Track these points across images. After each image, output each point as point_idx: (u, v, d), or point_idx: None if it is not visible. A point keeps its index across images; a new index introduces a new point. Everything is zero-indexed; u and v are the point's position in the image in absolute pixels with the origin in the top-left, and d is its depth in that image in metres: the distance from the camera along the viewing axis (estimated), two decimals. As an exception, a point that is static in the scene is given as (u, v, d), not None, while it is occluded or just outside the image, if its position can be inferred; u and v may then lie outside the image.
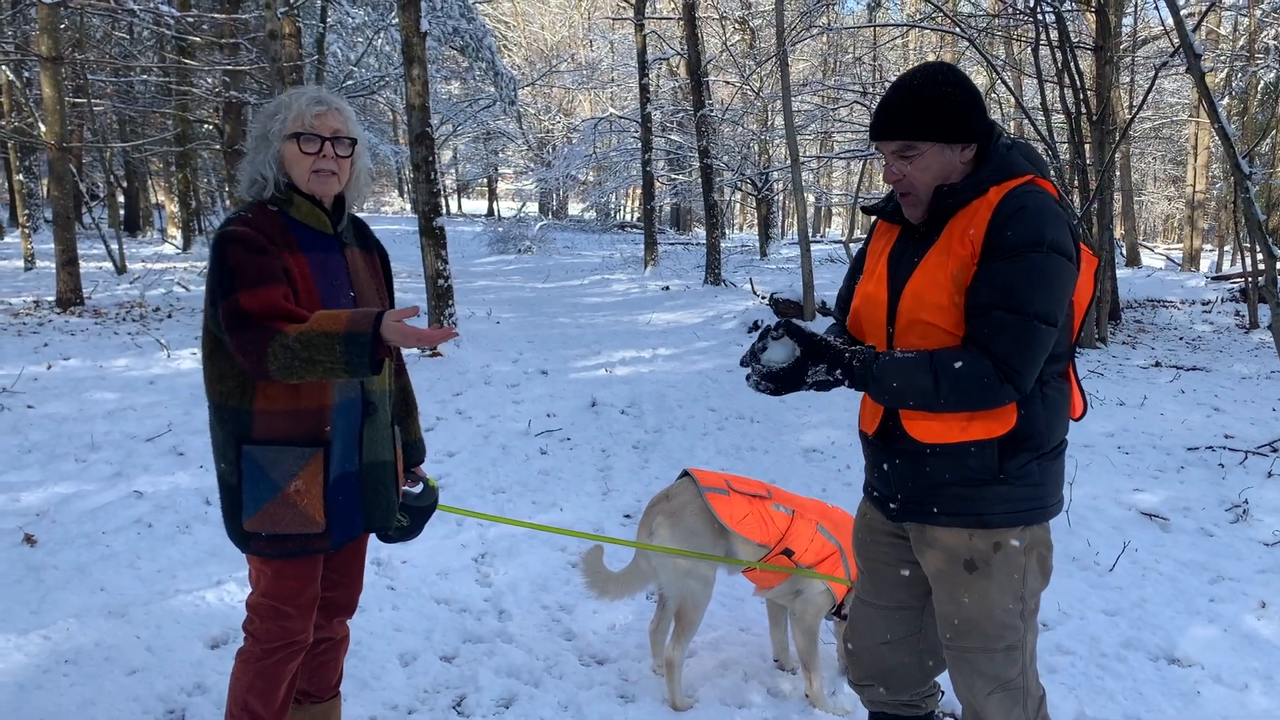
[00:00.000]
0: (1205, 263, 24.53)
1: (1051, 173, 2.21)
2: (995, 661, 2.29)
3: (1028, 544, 2.27)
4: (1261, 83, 21.38)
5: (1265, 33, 20.14)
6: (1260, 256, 12.20)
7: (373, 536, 2.78)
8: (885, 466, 2.36)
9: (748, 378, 2.27)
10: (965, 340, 2.13)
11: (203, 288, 14.27)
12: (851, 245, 20.35)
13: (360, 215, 2.79)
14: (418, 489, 2.88)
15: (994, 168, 2.19)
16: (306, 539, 2.48)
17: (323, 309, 2.41)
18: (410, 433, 2.92)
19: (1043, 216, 2.09)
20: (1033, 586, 2.30)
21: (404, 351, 2.85)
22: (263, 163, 2.47)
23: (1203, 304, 14.61)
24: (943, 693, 2.69)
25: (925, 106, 2.17)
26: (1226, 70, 21.32)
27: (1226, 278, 17.22)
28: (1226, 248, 24.07)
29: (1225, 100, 21.32)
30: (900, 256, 2.31)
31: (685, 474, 3.54)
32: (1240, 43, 22.03)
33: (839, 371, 2.15)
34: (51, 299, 12.59)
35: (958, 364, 2.08)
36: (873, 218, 2.51)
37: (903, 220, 2.34)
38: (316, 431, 2.46)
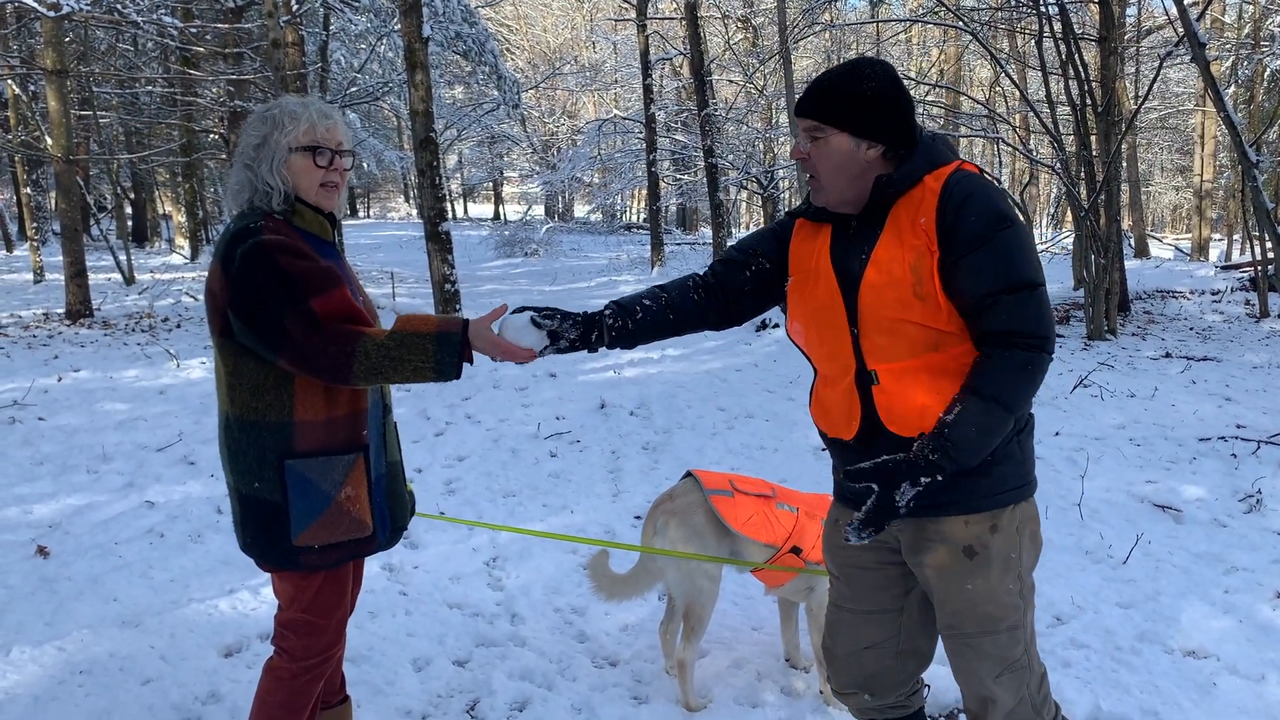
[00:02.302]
0: (1214, 252, 24.44)
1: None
2: (1000, 643, 2.30)
3: (1019, 521, 2.30)
4: (1267, 70, 21.27)
5: (1270, 20, 20.03)
6: (1269, 245, 12.14)
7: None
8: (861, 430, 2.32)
9: (849, 536, 2.21)
10: (983, 338, 2.15)
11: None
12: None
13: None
14: None
15: (923, 157, 2.23)
16: (357, 544, 2.50)
17: (363, 310, 2.47)
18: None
19: (990, 196, 2.16)
20: (1028, 563, 2.32)
21: None
22: (268, 172, 2.43)
23: (1212, 294, 14.55)
24: (928, 687, 2.67)
25: (842, 95, 2.21)
26: (1232, 58, 21.22)
27: (1236, 267, 17.14)
28: (1235, 237, 23.97)
29: (1231, 89, 21.21)
30: (844, 255, 2.29)
31: (689, 474, 3.53)
32: (1245, 30, 21.92)
33: (925, 479, 2.12)
34: (61, 311, 12.65)
35: (1000, 375, 2.11)
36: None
37: (832, 219, 2.33)
38: (356, 436, 2.47)
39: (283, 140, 2.43)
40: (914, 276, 2.14)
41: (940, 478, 2.12)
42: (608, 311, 2.48)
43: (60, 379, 8.53)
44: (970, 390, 2.12)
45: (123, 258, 16.61)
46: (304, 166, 2.44)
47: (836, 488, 2.54)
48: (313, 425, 2.40)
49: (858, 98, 2.20)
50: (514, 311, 2.40)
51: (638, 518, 5.37)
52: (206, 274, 2.48)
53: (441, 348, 2.26)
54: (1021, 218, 2.17)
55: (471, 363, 2.36)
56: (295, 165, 2.44)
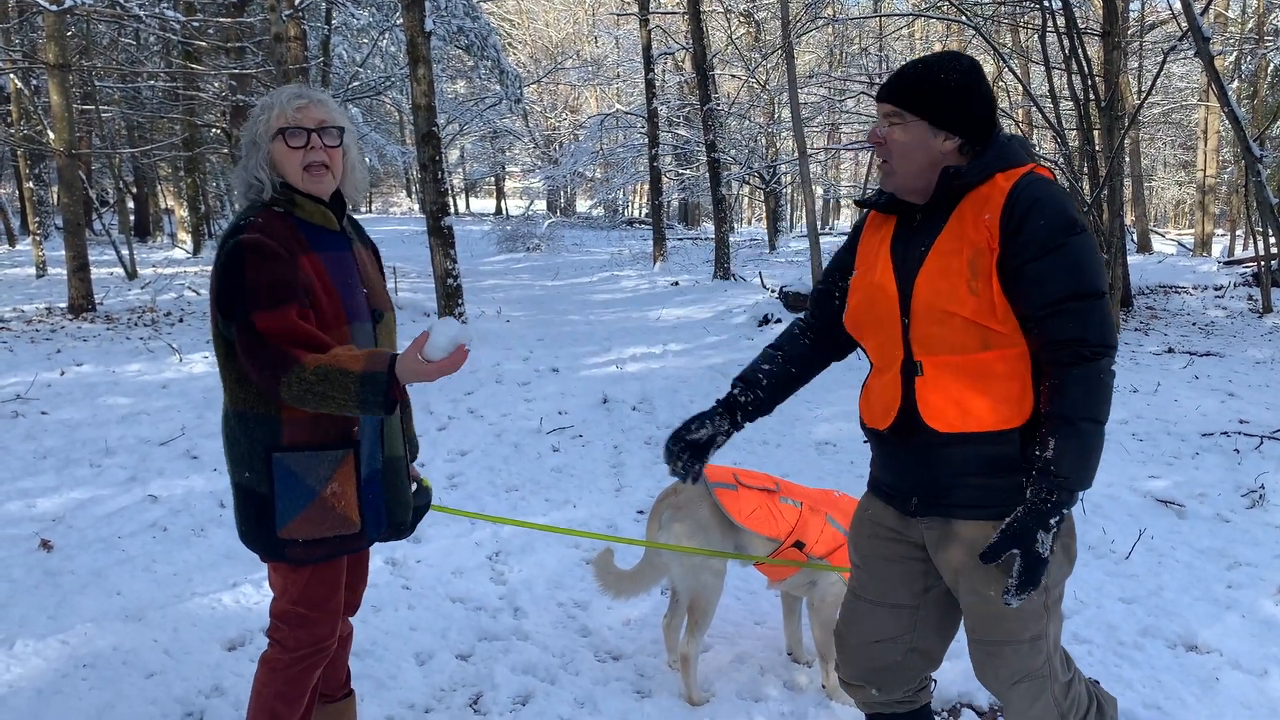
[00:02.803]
0: (1217, 247, 24.41)
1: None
2: (1020, 653, 2.28)
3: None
4: (1271, 65, 21.24)
5: (1274, 15, 20.00)
6: (1273, 240, 12.12)
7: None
8: (902, 461, 2.34)
9: (1009, 601, 2.17)
10: (1047, 346, 2.13)
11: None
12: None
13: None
14: (412, 488, 2.85)
15: (996, 156, 2.22)
16: (343, 540, 2.48)
17: (342, 305, 2.43)
18: (406, 428, 2.86)
19: (1060, 201, 2.14)
20: (1056, 575, 2.27)
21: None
22: (255, 166, 2.44)
23: (1215, 289, 14.53)
24: (934, 682, 2.67)
25: (925, 84, 2.22)
26: (1235, 53, 21.16)
27: (1239, 262, 17.12)
28: (1238, 232, 23.94)
29: (1235, 84, 21.15)
30: (905, 246, 2.30)
31: (693, 469, 3.53)
32: (1249, 25, 21.88)
33: (1054, 519, 2.11)
34: (64, 305, 12.66)
35: (1081, 395, 2.10)
36: (863, 212, 2.52)
37: (898, 210, 2.34)
38: (346, 432, 2.45)
39: (262, 131, 2.44)
40: (970, 271, 2.14)
41: (1068, 510, 2.13)
42: (737, 391, 2.60)
43: (63, 373, 8.54)
44: (1059, 419, 2.10)
45: (125, 252, 16.62)
46: (281, 151, 2.42)
47: (872, 480, 2.53)
48: (299, 420, 2.40)
49: (940, 87, 2.22)
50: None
51: (640, 512, 5.38)
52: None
53: (365, 388, 2.21)
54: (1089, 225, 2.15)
55: (404, 398, 2.35)
56: (276, 153, 2.43)
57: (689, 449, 2.55)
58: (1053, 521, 2.10)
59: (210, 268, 2.44)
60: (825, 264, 2.57)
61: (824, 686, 3.46)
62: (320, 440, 2.42)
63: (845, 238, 2.65)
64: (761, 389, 2.57)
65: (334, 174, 2.49)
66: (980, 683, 2.43)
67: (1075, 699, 2.40)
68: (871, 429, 2.41)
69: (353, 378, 2.21)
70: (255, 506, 2.44)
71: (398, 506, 2.64)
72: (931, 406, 2.22)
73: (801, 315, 2.66)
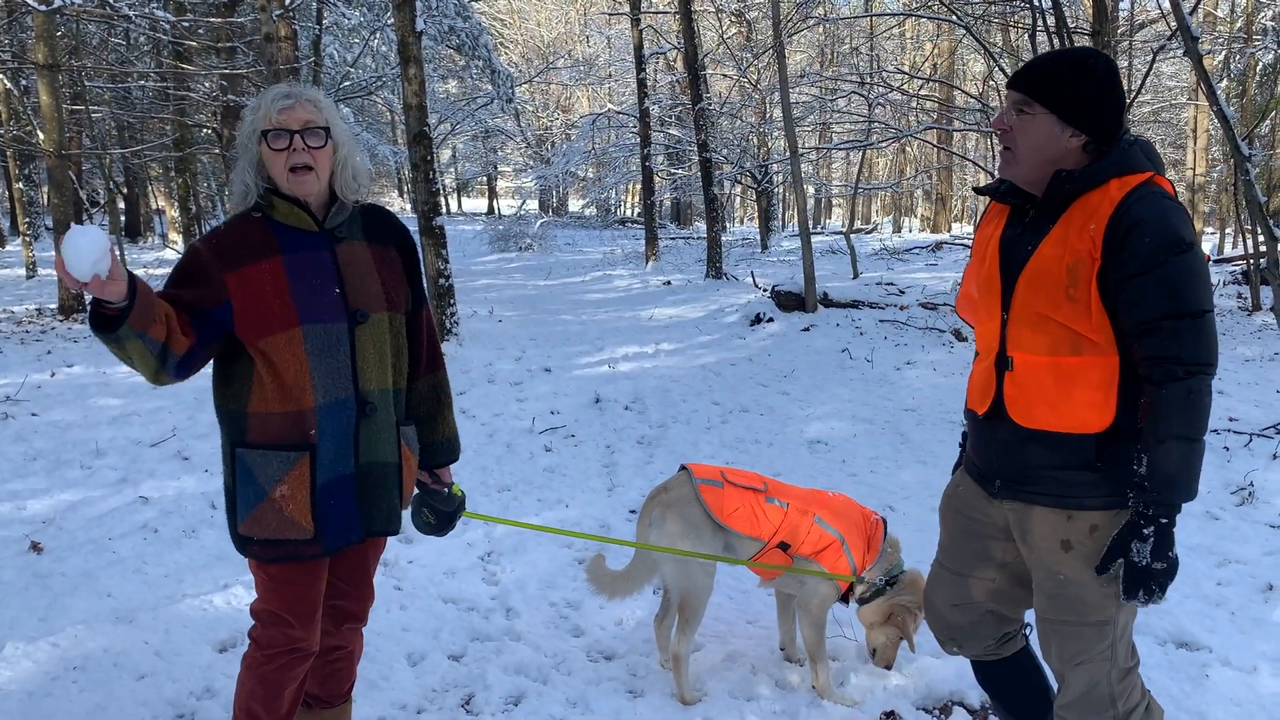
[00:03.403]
0: (1207, 245, 24.48)
1: (1167, 170, 2.28)
2: (1085, 636, 2.36)
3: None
4: (1260, 64, 21.31)
5: (1263, 14, 20.08)
6: (1261, 238, 12.18)
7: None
8: (990, 446, 2.44)
9: (1140, 604, 2.25)
10: (1142, 357, 2.16)
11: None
12: (852, 236, 20.32)
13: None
14: (444, 492, 2.82)
15: (1114, 161, 2.23)
16: (296, 544, 2.44)
17: (295, 308, 2.40)
18: (440, 430, 2.79)
19: (1168, 218, 2.14)
20: None
21: (440, 346, 2.83)
22: (243, 170, 2.45)
23: (1205, 287, 14.57)
24: (1028, 628, 2.74)
25: (1058, 77, 2.25)
26: (1224, 52, 21.25)
27: (1228, 260, 17.18)
28: (1228, 230, 24.02)
29: (1224, 83, 21.24)
30: (1013, 241, 2.36)
31: (683, 468, 3.54)
32: (1238, 24, 21.97)
33: (1148, 530, 2.17)
34: (54, 307, 12.62)
35: (1172, 413, 2.13)
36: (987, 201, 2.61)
37: (1013, 201, 2.40)
38: (302, 435, 2.42)
39: (249, 134, 2.43)
40: (1069, 278, 2.18)
41: (1165, 521, 2.17)
42: None
43: (53, 374, 8.52)
44: (1151, 436, 2.16)
45: (116, 253, 16.55)
46: (266, 154, 2.42)
47: (965, 459, 2.64)
48: (261, 417, 2.41)
49: (1073, 83, 2.23)
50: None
51: (633, 512, 5.38)
52: None
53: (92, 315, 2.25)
54: (1199, 242, 2.17)
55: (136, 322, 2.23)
56: (263, 155, 2.43)
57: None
58: (1147, 532, 2.17)
59: None
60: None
61: (814, 687, 3.47)
62: (273, 439, 2.41)
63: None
64: None
65: (319, 175, 2.45)
66: (1043, 659, 2.51)
67: (1129, 688, 2.44)
68: (970, 410, 2.51)
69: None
70: (227, 501, 2.51)
71: (377, 515, 2.54)
72: (1017, 404, 2.32)
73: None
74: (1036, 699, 2.75)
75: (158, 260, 20.08)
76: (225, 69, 16.31)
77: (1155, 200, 2.16)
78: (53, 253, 12.63)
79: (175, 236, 21.86)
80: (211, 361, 2.48)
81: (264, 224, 2.45)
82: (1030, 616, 2.59)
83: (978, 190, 2.59)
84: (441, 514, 2.82)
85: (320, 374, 2.41)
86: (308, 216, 2.48)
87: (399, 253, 2.65)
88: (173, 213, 22.34)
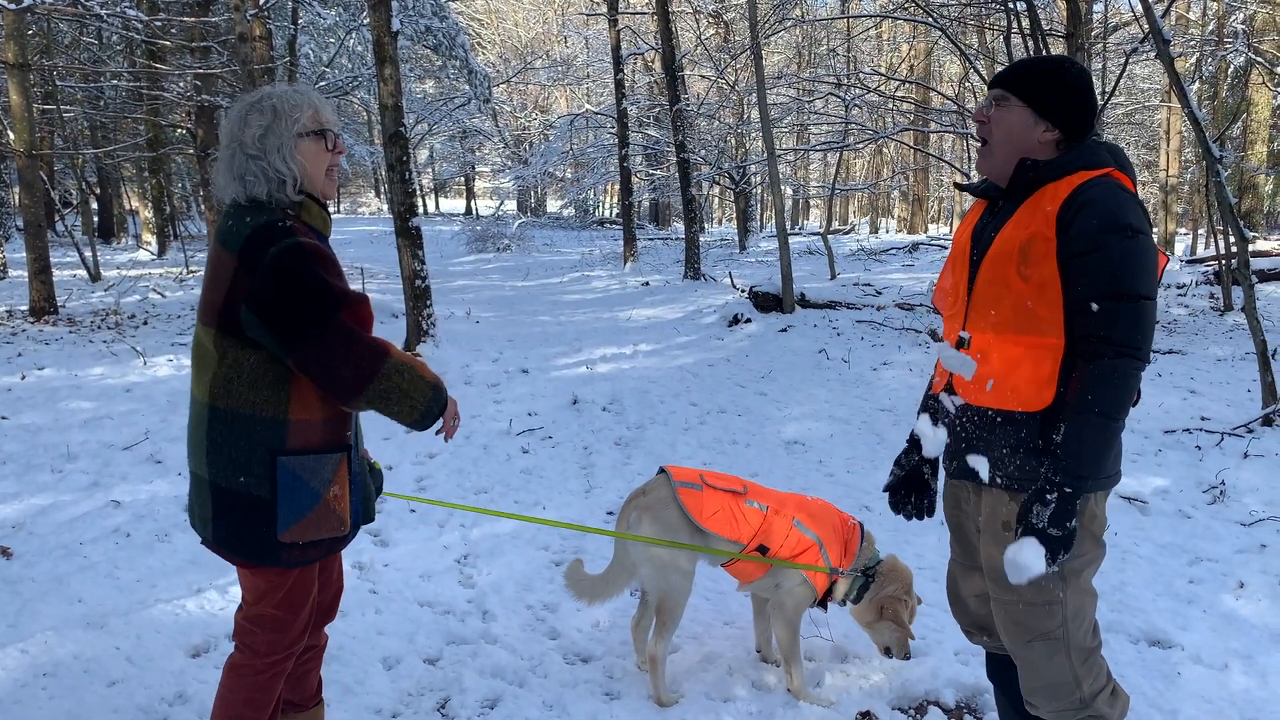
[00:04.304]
0: (1179, 246, 24.75)
1: (1134, 172, 2.35)
2: (1034, 614, 2.40)
3: None
4: (1231, 67, 21.54)
5: (1233, 17, 20.28)
6: (1233, 239, 12.29)
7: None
8: (949, 426, 2.53)
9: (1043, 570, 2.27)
10: (1078, 335, 2.23)
11: (178, 294, 13.96)
12: (829, 237, 20.38)
13: (336, 216, 2.77)
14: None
15: (1080, 156, 2.34)
16: (334, 541, 2.51)
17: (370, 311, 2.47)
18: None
19: (1119, 204, 2.22)
20: (1075, 550, 2.34)
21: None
22: (280, 160, 2.37)
23: (1177, 287, 14.71)
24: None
25: (1035, 74, 2.39)
26: (1196, 55, 21.46)
27: (1200, 261, 17.35)
28: (1200, 231, 24.28)
29: (1195, 85, 21.47)
30: (982, 230, 2.48)
31: (662, 471, 3.54)
32: (1209, 27, 22.19)
33: (1051, 496, 2.20)
34: (25, 308, 12.46)
35: (1092, 388, 2.19)
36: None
37: (992, 195, 2.51)
38: (341, 436, 2.48)
39: (290, 128, 2.40)
40: (1020, 256, 2.27)
41: (1069, 491, 2.20)
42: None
43: (24, 377, 8.41)
44: (1072, 408, 2.22)
45: (88, 254, 16.39)
46: (315, 151, 2.43)
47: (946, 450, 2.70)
48: (307, 424, 2.40)
49: (1047, 80, 2.37)
50: None
51: (610, 513, 5.37)
52: (209, 263, 2.43)
53: (435, 396, 2.44)
54: (1149, 230, 2.21)
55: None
56: (306, 151, 2.42)
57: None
58: (1050, 498, 2.20)
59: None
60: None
61: (789, 689, 3.47)
62: (325, 443, 2.43)
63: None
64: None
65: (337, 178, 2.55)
66: (1002, 640, 2.54)
67: (1094, 671, 2.47)
68: (932, 395, 2.61)
69: (427, 384, 2.41)
70: (250, 510, 2.38)
71: (369, 502, 2.68)
72: (963, 382, 2.42)
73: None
74: None
75: (131, 261, 19.90)
76: (199, 69, 16.18)
77: (1109, 187, 2.25)
78: (24, 253, 12.49)
79: (149, 237, 21.66)
80: (219, 364, 2.37)
81: (306, 227, 2.42)
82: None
83: (958, 186, 2.70)
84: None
85: None
86: (330, 222, 2.55)
87: None
88: (146, 214, 22.14)
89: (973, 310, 2.42)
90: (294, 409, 2.38)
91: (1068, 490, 2.20)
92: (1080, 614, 2.43)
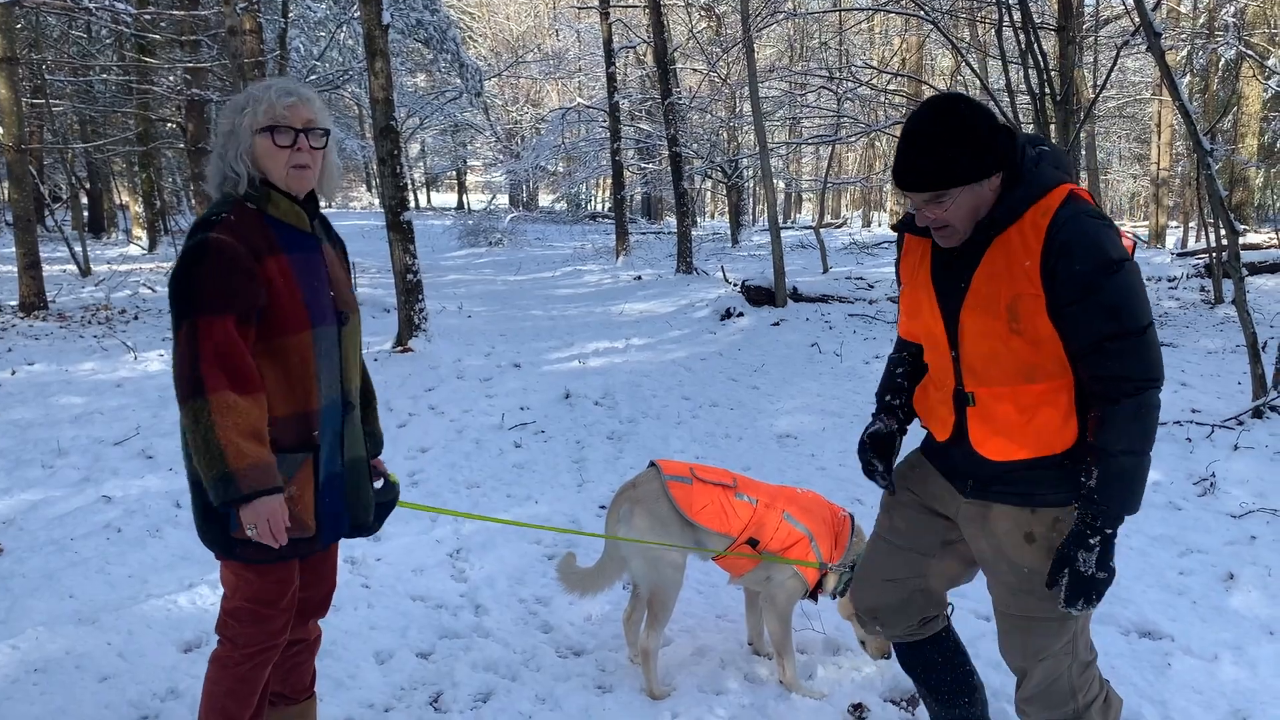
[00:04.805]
0: (1171, 239, 24.78)
1: (1075, 172, 2.25)
2: (1049, 631, 2.37)
3: None
4: (1222, 60, 21.57)
5: (1224, 10, 20.30)
6: (1223, 232, 12.32)
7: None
8: (955, 458, 2.45)
9: (1069, 610, 2.27)
10: (1090, 379, 2.19)
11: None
12: (821, 231, 20.40)
13: (328, 210, 2.76)
14: (378, 484, 2.85)
15: (1025, 187, 2.20)
16: (297, 543, 2.46)
17: (307, 310, 2.41)
18: (372, 422, 2.86)
19: (1098, 237, 2.13)
20: None
21: (365, 343, 2.88)
22: (234, 158, 2.40)
23: (1169, 280, 14.75)
24: (951, 607, 2.78)
25: (948, 156, 2.15)
26: (1187, 48, 21.48)
27: (1191, 253, 17.39)
28: (1191, 224, 24.31)
29: (1186, 78, 21.49)
30: (944, 274, 2.34)
31: (652, 464, 3.54)
32: (1200, 20, 22.22)
33: (1095, 540, 2.20)
34: (14, 304, 12.40)
35: (1122, 429, 2.17)
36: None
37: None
38: (307, 436, 2.45)
39: (246, 124, 2.40)
40: (1009, 315, 2.18)
41: (1110, 532, 2.20)
42: (888, 399, 2.68)
43: (14, 372, 8.38)
44: (1102, 451, 2.18)
45: (78, 249, 16.33)
46: (266, 148, 2.40)
47: (929, 449, 2.62)
48: (270, 421, 2.38)
49: (960, 153, 2.14)
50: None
51: (602, 507, 5.37)
52: None
53: (218, 486, 2.23)
54: (1128, 252, 2.18)
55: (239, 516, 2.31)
56: (259, 148, 2.40)
57: (874, 448, 2.60)
58: (1093, 543, 2.19)
59: (169, 264, 2.42)
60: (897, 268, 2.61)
61: (782, 681, 3.48)
62: (281, 443, 2.40)
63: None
64: (907, 390, 2.64)
65: (315, 174, 2.48)
66: (1001, 656, 2.51)
67: (1089, 681, 2.47)
68: (929, 433, 2.54)
69: (219, 471, 2.22)
70: (208, 503, 2.39)
71: (359, 508, 2.64)
72: (980, 435, 2.33)
73: (897, 354, 2.71)
74: (958, 680, 2.77)
75: (121, 256, 19.82)
76: (189, 62, 16.11)
77: (1079, 222, 2.15)
78: (13, 248, 12.43)
79: (139, 232, 21.58)
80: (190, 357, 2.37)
81: (260, 217, 2.42)
82: (968, 601, 2.60)
83: (894, 228, 2.49)
84: (378, 507, 2.82)
85: (323, 376, 2.46)
86: (305, 216, 2.50)
87: (344, 254, 2.76)
88: (136, 208, 22.06)
89: (966, 370, 2.32)
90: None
91: (1109, 532, 2.19)
92: (1086, 627, 2.44)
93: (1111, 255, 2.12)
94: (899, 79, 19.62)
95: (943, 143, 2.14)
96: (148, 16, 15.76)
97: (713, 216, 45.58)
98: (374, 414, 2.89)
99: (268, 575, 2.49)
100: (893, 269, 2.54)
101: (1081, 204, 2.19)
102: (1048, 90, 11.00)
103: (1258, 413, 6.60)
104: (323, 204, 2.66)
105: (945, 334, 2.34)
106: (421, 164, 46.87)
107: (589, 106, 28.17)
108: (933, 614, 2.71)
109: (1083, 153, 18.31)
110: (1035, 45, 10.94)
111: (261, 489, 2.26)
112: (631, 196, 33.39)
